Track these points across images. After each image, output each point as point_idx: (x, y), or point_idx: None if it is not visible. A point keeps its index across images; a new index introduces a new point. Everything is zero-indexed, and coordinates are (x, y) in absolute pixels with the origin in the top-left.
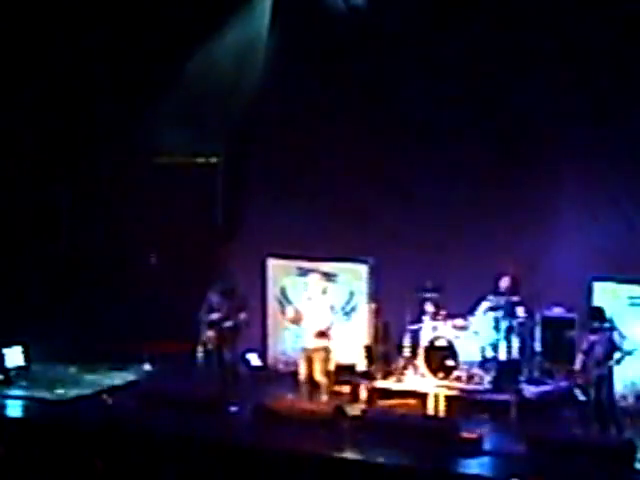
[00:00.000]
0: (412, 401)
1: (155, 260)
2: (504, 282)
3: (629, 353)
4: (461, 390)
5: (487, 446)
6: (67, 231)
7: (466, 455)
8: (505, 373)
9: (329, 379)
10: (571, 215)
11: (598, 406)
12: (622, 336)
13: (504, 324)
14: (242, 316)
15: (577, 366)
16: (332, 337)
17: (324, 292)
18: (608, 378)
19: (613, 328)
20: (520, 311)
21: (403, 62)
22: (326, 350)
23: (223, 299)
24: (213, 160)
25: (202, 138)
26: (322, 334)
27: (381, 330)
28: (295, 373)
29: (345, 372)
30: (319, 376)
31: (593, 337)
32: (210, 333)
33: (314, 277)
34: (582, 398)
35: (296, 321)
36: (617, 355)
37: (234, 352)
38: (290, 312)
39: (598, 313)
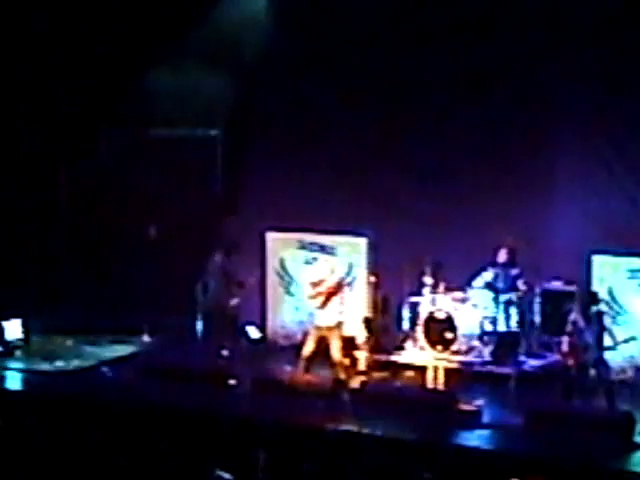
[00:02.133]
0: (411, 373)
1: (154, 232)
2: (503, 254)
3: (626, 341)
4: (460, 362)
5: (486, 418)
6: (66, 204)
7: (465, 427)
8: (504, 346)
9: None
10: (570, 187)
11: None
12: (615, 313)
13: (503, 297)
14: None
15: (564, 348)
16: (344, 313)
17: (332, 271)
18: (602, 360)
19: (601, 312)
20: (519, 284)
21: (401, 36)
22: (339, 327)
23: (226, 260)
24: (213, 132)
25: (202, 110)
26: (336, 312)
27: (380, 303)
28: (295, 346)
29: (345, 344)
30: (338, 354)
31: (580, 322)
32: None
33: (321, 260)
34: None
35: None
36: (608, 339)
37: (237, 323)
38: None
39: (591, 298)
